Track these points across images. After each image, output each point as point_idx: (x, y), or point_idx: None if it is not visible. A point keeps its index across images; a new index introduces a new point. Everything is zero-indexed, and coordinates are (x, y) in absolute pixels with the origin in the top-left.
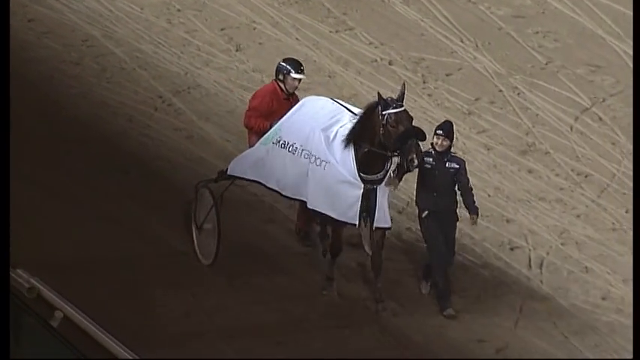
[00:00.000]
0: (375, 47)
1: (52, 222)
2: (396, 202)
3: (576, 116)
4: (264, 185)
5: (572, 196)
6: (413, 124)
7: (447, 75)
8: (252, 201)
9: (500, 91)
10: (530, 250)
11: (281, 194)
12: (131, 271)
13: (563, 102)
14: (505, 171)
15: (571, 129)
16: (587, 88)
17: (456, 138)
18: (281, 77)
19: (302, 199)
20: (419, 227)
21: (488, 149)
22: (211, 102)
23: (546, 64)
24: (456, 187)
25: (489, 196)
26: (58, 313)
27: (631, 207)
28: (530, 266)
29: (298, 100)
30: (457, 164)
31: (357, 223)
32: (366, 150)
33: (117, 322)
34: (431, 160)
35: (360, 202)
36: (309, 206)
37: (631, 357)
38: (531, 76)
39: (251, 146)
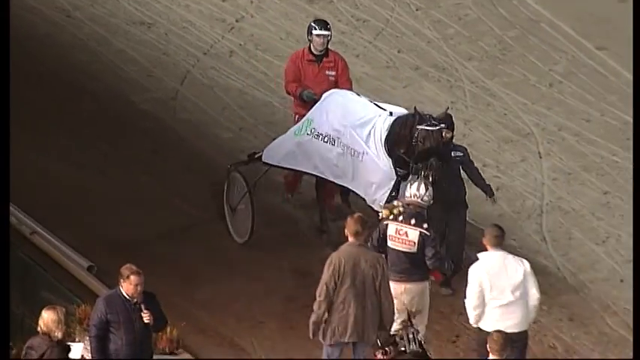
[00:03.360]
0: None
1: None
2: None
3: None
4: (301, 172)
5: (352, 38)
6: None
7: None
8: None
9: None
10: None
11: (323, 178)
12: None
13: None
14: (295, 18)
15: None
16: None
17: None
18: (310, 37)
19: (343, 184)
20: None
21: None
22: None
23: None
24: (465, 174)
25: (281, 39)
26: None
27: (404, 48)
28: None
29: (332, 65)
30: (461, 152)
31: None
32: (398, 154)
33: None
34: None
35: (390, 191)
36: (352, 189)
37: None
38: None
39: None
